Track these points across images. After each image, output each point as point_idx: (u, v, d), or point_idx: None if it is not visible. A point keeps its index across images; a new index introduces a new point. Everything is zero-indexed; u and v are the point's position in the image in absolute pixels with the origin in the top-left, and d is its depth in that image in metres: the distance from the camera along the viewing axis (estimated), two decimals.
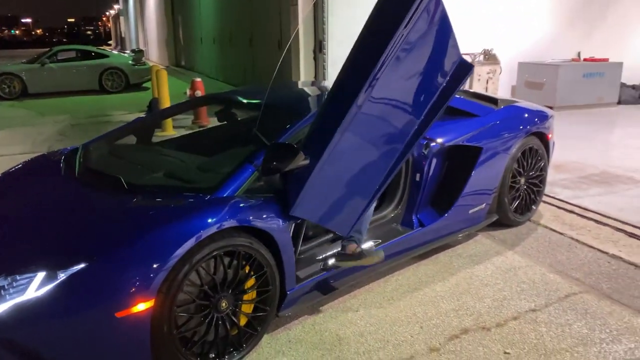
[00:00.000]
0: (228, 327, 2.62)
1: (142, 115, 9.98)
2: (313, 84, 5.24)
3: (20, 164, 3.70)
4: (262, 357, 2.73)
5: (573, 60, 10.86)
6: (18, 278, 2.31)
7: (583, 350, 2.74)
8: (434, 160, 3.71)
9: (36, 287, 2.27)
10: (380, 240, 3.44)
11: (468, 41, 10.36)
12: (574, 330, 2.92)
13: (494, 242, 4.10)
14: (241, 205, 2.65)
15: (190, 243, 2.39)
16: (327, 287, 3.13)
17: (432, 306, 3.20)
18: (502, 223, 4.28)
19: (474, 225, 4.03)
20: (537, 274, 3.57)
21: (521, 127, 4.19)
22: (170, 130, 8.54)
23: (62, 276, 2.28)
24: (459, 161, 3.85)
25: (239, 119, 3.94)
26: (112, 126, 9.40)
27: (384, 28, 2.70)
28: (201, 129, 7.25)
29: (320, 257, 3.19)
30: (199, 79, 9.27)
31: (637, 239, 4.11)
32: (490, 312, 3.11)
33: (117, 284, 2.28)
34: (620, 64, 10.64)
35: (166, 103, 8.64)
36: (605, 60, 10.73)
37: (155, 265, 2.32)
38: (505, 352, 2.75)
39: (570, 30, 11.21)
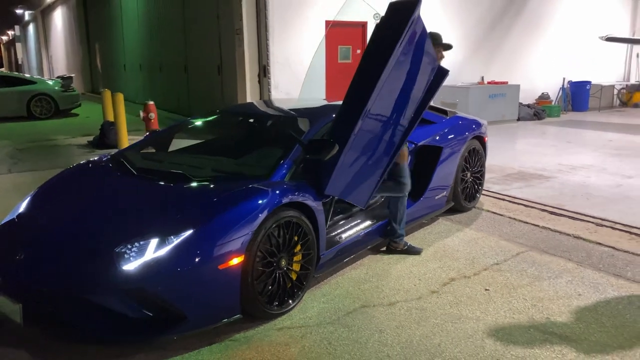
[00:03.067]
0: (286, 280, 3.38)
1: (90, 139, 10.27)
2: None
3: (70, 169, 4.26)
4: (308, 305, 3.51)
5: (479, 83, 12.58)
6: (136, 244, 2.95)
7: (538, 283, 3.80)
8: (409, 158, 4.69)
9: (153, 249, 2.92)
10: (375, 220, 4.35)
11: None
12: (529, 273, 3.98)
13: (452, 223, 5.16)
14: (291, 187, 3.46)
15: (265, 214, 3.17)
16: (343, 254, 3.97)
17: (422, 266, 4.14)
18: (456, 209, 5.35)
19: (438, 209, 5.07)
20: (492, 241, 4.65)
21: (467, 132, 5.32)
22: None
23: (174, 240, 2.95)
24: (426, 158, 4.87)
25: (254, 125, 4.70)
26: (62, 149, 9.68)
27: (384, 44, 3.60)
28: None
29: (338, 231, 4.03)
30: (151, 102, 9.78)
31: (557, 215, 5.34)
32: (467, 267, 4.11)
33: (220, 244, 2.99)
34: (518, 86, 12.50)
35: (122, 125, 9.07)
36: (505, 83, 12.55)
37: (244, 230, 3.07)
38: (485, 289, 3.74)
39: (475, 57, 12.97)
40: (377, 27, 3.78)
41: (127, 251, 2.92)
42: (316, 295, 3.66)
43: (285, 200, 3.33)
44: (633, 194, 6.18)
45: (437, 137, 4.97)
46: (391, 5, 3.73)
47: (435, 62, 3.98)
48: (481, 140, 5.55)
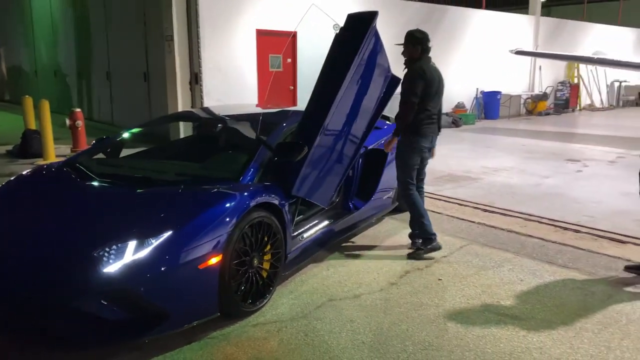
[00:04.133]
0: (257, 279, 3.49)
1: (9, 148, 9.70)
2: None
3: (16, 177, 4.08)
4: (278, 302, 3.64)
5: None
6: (114, 247, 2.95)
7: (484, 272, 4.17)
8: (360, 160, 4.95)
9: (132, 251, 2.94)
10: (332, 220, 4.55)
11: None
12: (474, 264, 4.35)
13: (398, 221, 5.47)
14: (261, 188, 3.58)
15: (240, 214, 3.27)
16: (307, 253, 4.14)
17: (378, 262, 4.39)
18: (400, 209, 5.67)
19: (385, 209, 5.37)
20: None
21: None
22: (52, 157, 8.59)
23: (153, 242, 2.98)
24: (374, 161, 5.15)
25: (216, 129, 4.75)
26: None
27: (345, 54, 3.87)
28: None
29: (300, 231, 4.19)
30: (78, 110, 9.43)
31: (490, 212, 5.82)
32: (419, 260, 4.41)
33: (199, 244, 3.05)
34: None
35: (48, 134, 8.67)
36: None
37: (221, 230, 3.16)
38: (438, 279, 4.05)
39: (399, 67, 13.56)
40: (337, 37, 4.00)
41: (106, 254, 2.92)
42: (284, 293, 3.79)
43: (257, 201, 3.44)
44: (551, 192, 6.83)
45: (383, 142, 5.26)
46: (350, 16, 3.97)
47: (389, 72, 4.25)
48: None
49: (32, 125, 9.58)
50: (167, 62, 10.28)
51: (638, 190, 4.21)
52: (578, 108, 19.25)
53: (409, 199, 4.51)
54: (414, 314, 3.50)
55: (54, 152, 8.77)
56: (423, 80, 4.26)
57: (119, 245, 2.96)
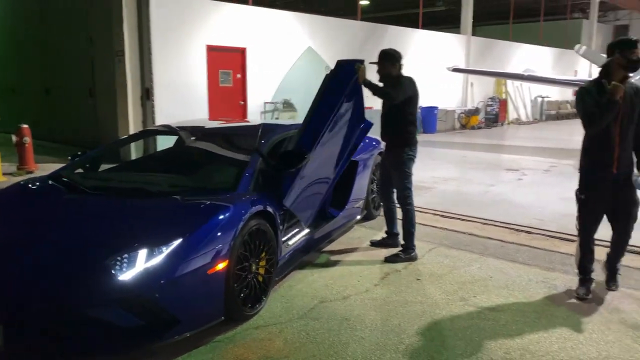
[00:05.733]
0: (255, 284, 3.65)
1: None
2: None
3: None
4: (272, 306, 3.80)
5: None
6: (125, 256, 3.04)
7: (456, 271, 4.52)
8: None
9: (144, 259, 3.04)
10: (313, 228, 4.77)
11: (273, 92, 12.32)
12: (446, 264, 4.69)
13: (366, 229, 5.76)
14: (258, 197, 3.76)
15: (243, 221, 3.43)
16: (295, 258, 4.33)
17: (357, 266, 4.65)
18: (366, 217, 5.97)
19: (356, 216, 5.64)
20: None
21: (373, 149, 6.00)
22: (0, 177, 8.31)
23: (164, 250, 3.09)
24: (345, 172, 5.41)
25: (203, 142, 4.86)
26: None
27: (333, 95, 4.30)
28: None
29: (286, 238, 4.37)
30: (25, 126, 9.14)
31: (449, 218, 6.23)
32: (395, 264, 4.70)
33: (208, 251, 3.19)
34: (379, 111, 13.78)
35: None
36: (370, 108, 13.75)
37: (227, 236, 3.31)
38: (417, 279, 4.35)
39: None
40: (327, 77, 4.41)
41: (118, 263, 3.00)
42: (276, 297, 3.96)
43: (257, 209, 3.62)
44: (499, 199, 7.37)
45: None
46: (339, 62, 4.49)
47: (363, 117, 4.80)
48: (382, 154, 6.27)
49: None
50: (117, 78, 10.16)
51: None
52: (506, 122, 20.51)
53: (409, 207, 4.85)
54: (402, 310, 3.77)
55: (1, 169, 8.46)
56: (412, 92, 4.70)
57: (130, 254, 3.05)
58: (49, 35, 12.85)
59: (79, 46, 11.67)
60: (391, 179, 4.98)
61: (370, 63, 4.87)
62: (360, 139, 4.85)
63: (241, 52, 11.73)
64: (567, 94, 24.26)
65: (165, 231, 3.21)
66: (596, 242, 4.04)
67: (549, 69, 22.59)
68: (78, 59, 11.80)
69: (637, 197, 3.85)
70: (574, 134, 17.38)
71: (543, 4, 23.63)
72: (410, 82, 4.79)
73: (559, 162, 10.93)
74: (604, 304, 3.89)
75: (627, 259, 4.28)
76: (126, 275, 2.95)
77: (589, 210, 3.91)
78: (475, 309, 3.79)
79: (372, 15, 21.12)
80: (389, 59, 4.76)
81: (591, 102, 3.69)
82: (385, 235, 5.24)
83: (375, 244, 5.16)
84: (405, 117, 4.80)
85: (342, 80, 4.36)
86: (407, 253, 4.81)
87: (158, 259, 3.04)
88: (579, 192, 3.96)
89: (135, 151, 9.97)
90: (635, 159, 3.84)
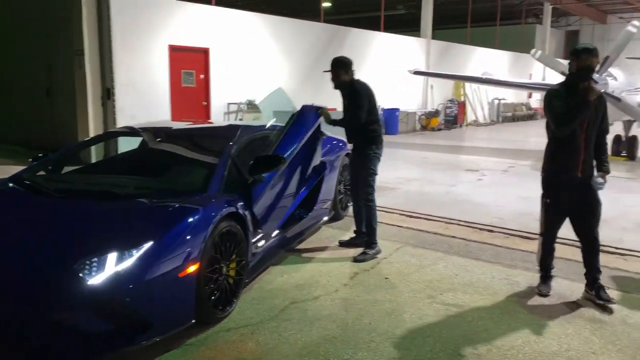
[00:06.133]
0: (226, 286, 3.64)
1: None
2: None
3: None
4: (243, 308, 3.80)
5: None
6: (95, 260, 2.99)
7: (423, 270, 4.62)
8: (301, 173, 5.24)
9: (114, 263, 2.99)
10: (282, 229, 4.79)
11: (236, 93, 12.26)
12: (413, 263, 4.79)
13: (334, 229, 5.82)
14: (229, 198, 3.76)
15: (214, 223, 3.42)
16: (264, 260, 4.34)
17: (327, 266, 4.69)
18: (334, 217, 6.03)
19: (325, 217, 5.69)
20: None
21: (339, 150, 6.06)
22: None
23: (135, 253, 3.05)
24: (314, 173, 5.46)
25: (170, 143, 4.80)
26: None
27: (302, 129, 4.69)
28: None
29: (256, 239, 4.38)
30: None
31: (414, 218, 6.36)
32: (364, 263, 4.77)
33: (179, 253, 3.17)
34: None
35: None
36: (334, 109, 13.84)
37: (198, 239, 3.29)
38: (385, 278, 4.43)
39: (306, 85, 14.11)
40: (293, 115, 4.86)
41: (87, 267, 2.95)
42: (247, 299, 3.96)
43: (227, 210, 3.62)
44: (460, 198, 7.56)
45: (322, 154, 5.60)
46: (303, 107, 5.01)
47: (319, 159, 5.29)
48: (349, 156, 6.34)
49: None
50: (77, 78, 9.91)
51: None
52: (465, 123, 20.99)
53: (372, 204, 4.97)
54: (372, 309, 3.83)
55: None
56: (368, 96, 4.75)
57: (100, 257, 3.00)
58: (2, 32, 12.40)
59: (36, 44, 11.32)
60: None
61: (324, 72, 5.00)
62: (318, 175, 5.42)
63: (204, 53, 11.63)
64: (523, 97, 25.03)
65: (136, 234, 3.18)
66: (562, 241, 4.17)
67: (505, 72, 23.24)
68: (35, 57, 11.43)
69: (599, 196, 3.98)
70: (529, 135, 18.05)
71: (499, 8, 24.32)
72: (363, 86, 4.94)
73: (516, 162, 11.27)
74: (563, 299, 4.05)
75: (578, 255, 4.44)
76: (96, 280, 2.90)
77: (553, 212, 4.04)
78: (442, 307, 3.89)
79: (334, 17, 21.28)
80: (342, 67, 4.93)
81: (559, 103, 3.81)
82: (353, 235, 5.31)
83: (343, 244, 5.22)
84: (368, 117, 4.90)
85: (307, 120, 4.87)
86: (372, 248, 4.93)
87: (128, 263, 3.00)
88: (544, 196, 4.06)
89: (96, 154, 9.74)
90: (595, 162, 3.98)
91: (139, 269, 3.01)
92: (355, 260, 4.80)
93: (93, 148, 9.58)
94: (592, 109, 3.81)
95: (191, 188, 3.87)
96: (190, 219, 3.35)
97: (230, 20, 12.15)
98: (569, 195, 3.96)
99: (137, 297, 2.98)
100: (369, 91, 4.93)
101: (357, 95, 4.85)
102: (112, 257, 3.02)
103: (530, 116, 25.19)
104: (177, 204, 3.50)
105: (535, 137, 17.38)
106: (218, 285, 3.54)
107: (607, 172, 3.96)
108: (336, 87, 4.99)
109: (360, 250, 4.97)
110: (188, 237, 3.26)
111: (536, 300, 4.04)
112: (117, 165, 4.73)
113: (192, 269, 3.24)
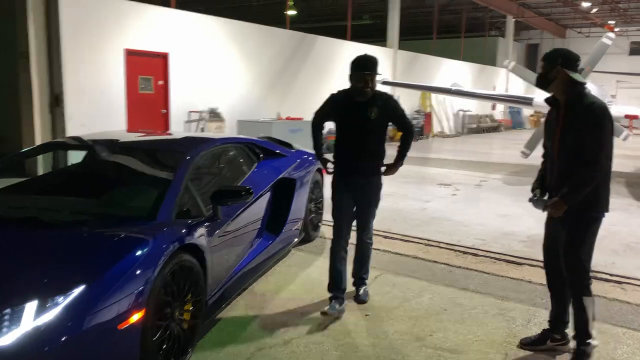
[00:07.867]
0: (180, 333, 3.02)
1: None
2: None
3: None
4: (201, 356, 3.19)
5: (278, 118, 13.15)
6: (7, 312, 2.34)
7: (407, 304, 4.10)
8: (269, 192, 4.65)
9: (33, 315, 2.35)
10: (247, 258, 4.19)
11: (199, 101, 11.58)
12: (395, 295, 4.27)
13: (305, 253, 5.24)
14: (183, 228, 3.14)
15: (164, 259, 2.80)
16: (224, 298, 3.73)
17: (298, 301, 4.12)
18: (304, 239, 5.45)
19: (295, 239, 5.11)
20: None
21: (311, 165, 5.50)
22: None
23: (61, 301, 2.42)
24: (282, 191, 4.88)
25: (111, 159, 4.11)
26: None
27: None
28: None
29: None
30: None
31: (391, 239, 5.85)
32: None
33: (119, 299, 2.54)
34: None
35: None
36: (300, 119, 13.34)
37: (143, 279, 2.67)
38: (366, 315, 3.88)
39: (271, 95, 13.56)
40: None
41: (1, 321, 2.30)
42: (205, 346, 3.34)
43: (181, 243, 3.00)
44: (437, 216, 7.11)
45: (291, 170, 5.04)
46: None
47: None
48: (320, 172, 5.79)
49: None
50: (21, 82, 9.06)
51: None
52: (431, 135, 20.78)
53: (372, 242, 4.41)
54: (353, 356, 3.28)
55: None
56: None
57: (14, 308, 2.36)
58: None
59: None
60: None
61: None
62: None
63: (163, 58, 10.92)
64: (487, 108, 25.07)
65: (64, 275, 2.55)
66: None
67: (470, 84, 23.21)
68: None
69: None
70: (494, 147, 17.95)
71: (464, 21, 24.36)
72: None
73: (487, 176, 10.97)
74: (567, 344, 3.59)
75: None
76: (7, 338, 2.26)
77: None
78: (433, 352, 3.36)
79: (300, 25, 20.81)
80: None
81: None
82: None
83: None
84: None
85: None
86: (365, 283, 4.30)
87: (52, 314, 2.37)
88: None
89: (43, 165, 8.90)
90: None
91: (67, 322, 2.38)
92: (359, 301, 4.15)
93: (40, 159, 8.75)
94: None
95: (138, 213, 3.23)
96: (136, 254, 2.73)
97: (191, 25, 11.48)
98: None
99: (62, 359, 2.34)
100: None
101: (397, 108, 4.24)
102: (30, 307, 2.38)
103: (495, 128, 25.27)
104: (118, 235, 2.87)
105: (500, 149, 17.35)
106: (169, 333, 2.92)
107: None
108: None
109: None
110: (132, 278, 2.63)
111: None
112: (55, 183, 4.04)
113: (135, 317, 2.61)
